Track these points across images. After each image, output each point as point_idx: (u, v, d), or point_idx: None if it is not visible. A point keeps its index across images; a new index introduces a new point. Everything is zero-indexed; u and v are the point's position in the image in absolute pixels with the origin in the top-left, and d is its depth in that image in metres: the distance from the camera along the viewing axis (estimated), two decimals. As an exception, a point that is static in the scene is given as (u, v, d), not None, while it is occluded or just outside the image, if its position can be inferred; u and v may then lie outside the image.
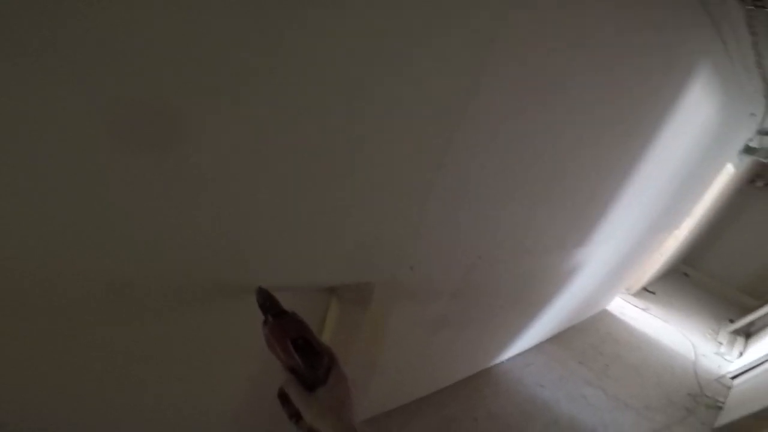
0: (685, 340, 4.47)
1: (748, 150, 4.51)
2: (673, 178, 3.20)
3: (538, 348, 3.38)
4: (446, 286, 1.88)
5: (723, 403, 3.53)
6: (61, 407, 1.09)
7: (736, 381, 3.84)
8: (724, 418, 3.25)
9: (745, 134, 4.27)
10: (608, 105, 1.87)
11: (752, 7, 2.15)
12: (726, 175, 4.78)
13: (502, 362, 3.08)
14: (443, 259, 1.71)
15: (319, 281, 1.32)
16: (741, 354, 4.43)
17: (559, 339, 3.60)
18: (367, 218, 1.28)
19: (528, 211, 1.93)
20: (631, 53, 1.77)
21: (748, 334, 4.95)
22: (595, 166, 2.15)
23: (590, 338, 3.83)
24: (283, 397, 0.82)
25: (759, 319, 4.95)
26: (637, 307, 4.86)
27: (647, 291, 5.31)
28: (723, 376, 3.94)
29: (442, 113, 1.24)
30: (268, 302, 0.92)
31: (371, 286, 1.47)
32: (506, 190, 1.70)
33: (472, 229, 1.70)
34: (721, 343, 4.64)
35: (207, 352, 1.27)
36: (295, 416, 0.81)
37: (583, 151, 1.97)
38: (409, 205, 1.37)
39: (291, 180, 1.02)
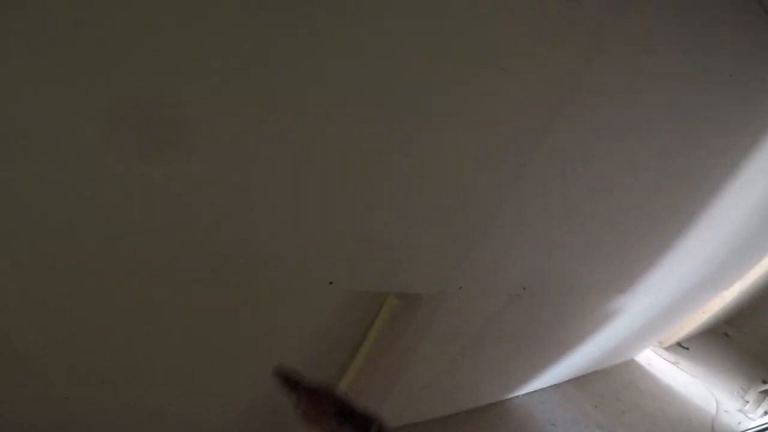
0: (709, 395, 4.49)
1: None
2: (731, 238, 3.14)
3: (556, 387, 3.51)
4: (486, 312, 1.91)
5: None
6: (62, 405, 1.17)
7: (752, 439, 3.89)
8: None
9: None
10: (676, 158, 1.86)
11: None
12: None
13: (518, 396, 3.23)
14: (490, 285, 1.74)
15: (376, 285, 1.38)
16: (766, 413, 4.42)
17: (579, 381, 3.71)
18: (426, 233, 1.32)
19: (579, 252, 1.95)
20: (705, 107, 1.73)
21: (779, 395, 4.91)
22: (653, 216, 2.14)
23: (611, 384, 3.93)
24: None
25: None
26: (666, 360, 4.89)
27: (681, 346, 5.30)
28: (740, 433, 3.98)
29: (514, 146, 1.27)
30: (291, 379, 0.84)
31: (420, 298, 1.51)
32: (562, 229, 1.72)
33: (522, 260, 1.73)
34: (747, 402, 4.64)
35: (217, 353, 1.31)
36: None
37: (644, 200, 1.97)
38: (468, 227, 1.39)
39: (359, 189, 1.09)
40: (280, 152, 0.94)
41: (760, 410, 4.50)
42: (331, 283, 1.24)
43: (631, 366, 4.45)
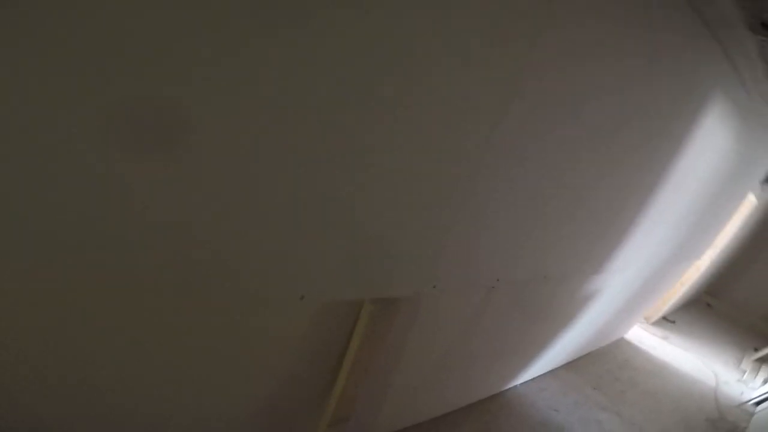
0: (705, 368, 4.45)
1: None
2: (692, 208, 3.26)
3: (553, 374, 3.42)
4: (466, 307, 1.92)
5: (745, 428, 3.52)
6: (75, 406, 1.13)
7: (759, 407, 3.83)
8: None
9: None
10: (625, 134, 1.93)
11: (764, 38, 2.14)
12: (749, 205, 4.81)
13: (516, 386, 3.14)
14: (465, 280, 1.76)
15: (350, 293, 1.40)
16: (765, 382, 4.39)
17: (574, 365, 3.64)
18: (395, 235, 1.35)
19: (548, 237, 1.99)
20: (646, 83, 1.83)
21: (773, 362, 4.88)
22: (614, 194, 2.22)
23: (606, 365, 3.86)
24: None
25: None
26: (656, 335, 4.85)
27: (667, 320, 5.28)
28: (745, 403, 3.92)
29: (470, 135, 1.30)
30: None
31: (398, 301, 1.54)
32: (528, 216, 1.76)
33: (493, 253, 1.76)
34: (744, 371, 4.60)
35: (224, 359, 1.29)
36: None
37: (603, 179, 2.04)
38: (436, 225, 1.43)
39: (333, 201, 1.13)
40: (248, 165, 0.96)
41: (759, 379, 4.47)
42: (302, 297, 1.26)
43: (623, 345, 4.39)
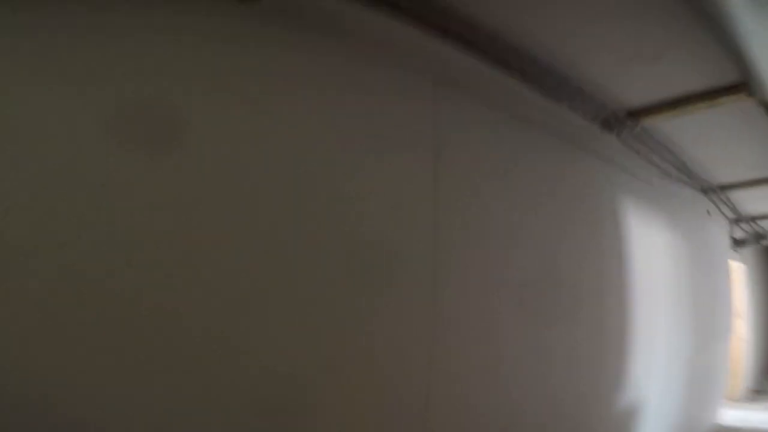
0: None
1: (738, 243, 4.81)
2: (677, 294, 3.30)
3: None
4: None
5: None
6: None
7: None
8: None
9: (722, 230, 4.55)
10: (575, 261, 2.14)
11: (620, 132, 2.34)
12: (741, 271, 4.92)
13: None
14: None
15: None
16: None
17: None
18: None
19: (548, 381, 2.03)
20: (569, 217, 2.09)
21: None
22: (593, 322, 2.31)
23: None
24: None
25: None
26: (757, 410, 4.65)
27: (757, 392, 5.14)
28: None
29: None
30: None
31: None
32: (521, 365, 1.86)
33: (490, 415, 1.77)
34: None
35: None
36: None
37: (580, 313, 2.17)
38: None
39: None
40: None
41: None
42: None
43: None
